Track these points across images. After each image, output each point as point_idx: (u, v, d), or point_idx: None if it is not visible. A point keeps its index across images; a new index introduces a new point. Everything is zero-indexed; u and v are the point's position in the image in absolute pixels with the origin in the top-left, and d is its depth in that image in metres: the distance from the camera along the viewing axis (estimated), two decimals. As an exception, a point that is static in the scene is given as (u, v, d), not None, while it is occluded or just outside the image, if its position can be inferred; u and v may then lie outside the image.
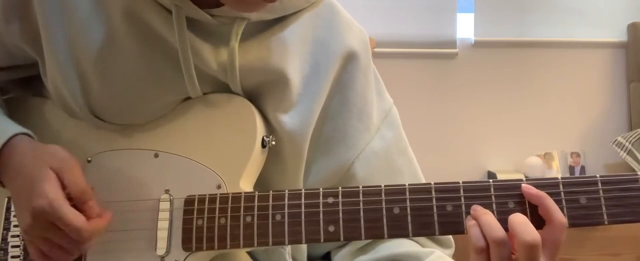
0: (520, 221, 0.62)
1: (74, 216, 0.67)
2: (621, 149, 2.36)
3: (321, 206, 0.68)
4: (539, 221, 0.64)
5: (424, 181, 0.89)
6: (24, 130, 0.75)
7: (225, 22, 0.74)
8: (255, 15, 0.75)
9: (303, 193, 0.69)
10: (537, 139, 2.73)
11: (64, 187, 0.70)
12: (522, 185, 0.65)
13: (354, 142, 0.83)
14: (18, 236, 0.80)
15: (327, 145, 0.82)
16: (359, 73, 0.84)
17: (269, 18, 0.77)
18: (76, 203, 0.70)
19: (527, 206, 0.65)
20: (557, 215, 0.63)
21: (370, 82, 0.86)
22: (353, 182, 0.82)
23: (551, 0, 2.78)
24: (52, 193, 0.67)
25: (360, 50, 0.84)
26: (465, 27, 2.79)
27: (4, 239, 0.80)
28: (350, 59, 0.83)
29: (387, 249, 0.81)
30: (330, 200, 0.68)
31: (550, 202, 0.63)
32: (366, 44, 0.86)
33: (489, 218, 0.63)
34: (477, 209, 0.65)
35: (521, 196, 0.65)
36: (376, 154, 0.84)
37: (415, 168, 0.89)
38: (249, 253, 0.82)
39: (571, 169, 2.73)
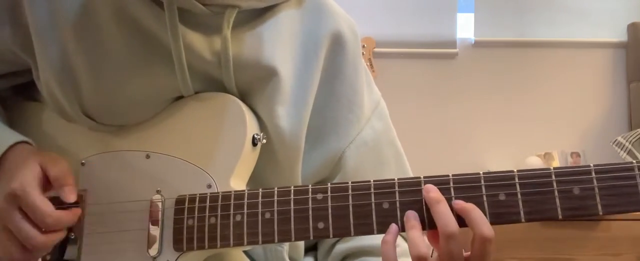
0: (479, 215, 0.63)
1: (42, 202, 0.68)
2: (621, 149, 2.35)
3: (310, 202, 0.68)
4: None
5: (410, 172, 0.89)
6: (24, 138, 0.76)
7: (216, 11, 0.75)
8: (246, 3, 0.76)
9: (292, 190, 0.69)
10: (537, 139, 2.72)
11: (48, 181, 0.71)
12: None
13: (345, 132, 0.83)
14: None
15: (317, 136, 0.82)
16: (346, 63, 0.83)
17: (260, 6, 0.78)
18: (54, 185, 0.71)
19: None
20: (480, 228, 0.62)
21: (360, 72, 0.86)
22: (343, 171, 0.82)
23: (551, 0, 2.78)
24: (28, 179, 0.69)
25: (348, 37, 0.84)
26: (465, 27, 2.80)
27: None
28: (337, 42, 0.82)
29: (369, 239, 0.81)
30: (319, 196, 0.68)
31: (476, 214, 0.62)
32: (355, 35, 0.86)
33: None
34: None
35: (513, 187, 0.64)
36: (366, 144, 0.84)
37: (402, 160, 0.89)
38: (245, 252, 0.81)
39: (571, 169, 2.72)
